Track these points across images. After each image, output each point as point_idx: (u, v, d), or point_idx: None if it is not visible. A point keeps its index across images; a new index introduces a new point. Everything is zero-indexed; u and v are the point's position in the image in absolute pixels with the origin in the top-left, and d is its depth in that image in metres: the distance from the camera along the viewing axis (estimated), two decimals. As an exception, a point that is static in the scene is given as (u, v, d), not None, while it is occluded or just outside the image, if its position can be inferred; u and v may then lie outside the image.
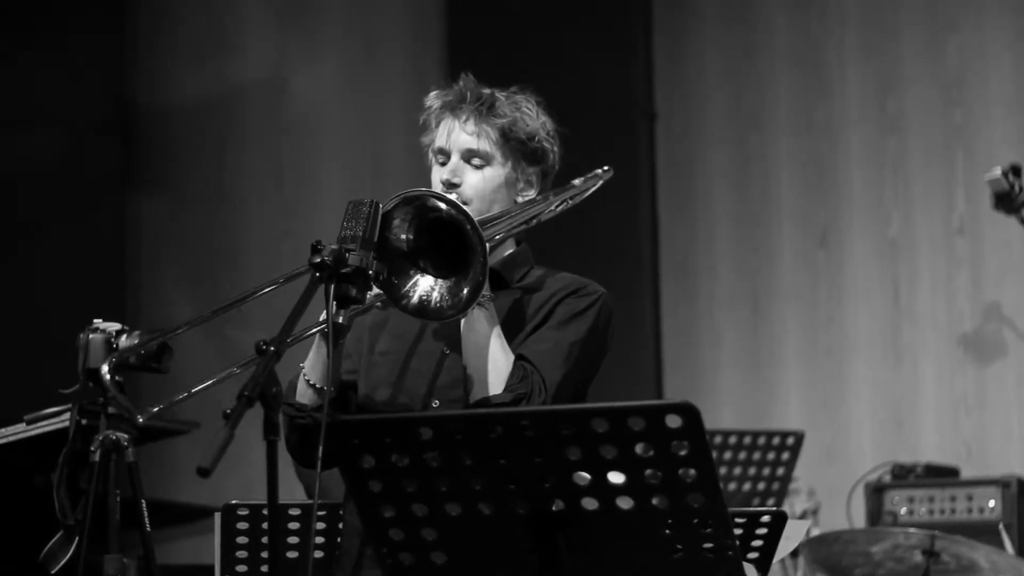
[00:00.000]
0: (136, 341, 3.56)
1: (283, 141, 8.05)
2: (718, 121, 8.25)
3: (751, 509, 3.97)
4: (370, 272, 3.32)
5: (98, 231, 7.93)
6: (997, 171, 6.76)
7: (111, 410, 3.60)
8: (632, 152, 8.21)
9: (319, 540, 4.15)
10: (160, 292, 7.99)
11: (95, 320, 3.64)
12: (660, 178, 8.34)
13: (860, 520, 6.87)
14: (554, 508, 3.03)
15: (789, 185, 8.11)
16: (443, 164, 3.69)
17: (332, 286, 3.27)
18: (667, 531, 3.03)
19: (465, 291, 3.42)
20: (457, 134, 3.67)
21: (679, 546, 3.05)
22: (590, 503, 3.00)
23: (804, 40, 8.11)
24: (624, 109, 8.27)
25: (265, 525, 4.13)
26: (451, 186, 3.64)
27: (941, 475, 6.90)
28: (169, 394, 3.51)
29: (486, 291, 3.47)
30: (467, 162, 3.67)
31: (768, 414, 7.92)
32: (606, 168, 3.93)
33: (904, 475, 6.83)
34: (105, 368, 3.53)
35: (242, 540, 4.23)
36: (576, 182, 3.86)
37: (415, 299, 3.46)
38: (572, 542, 3.06)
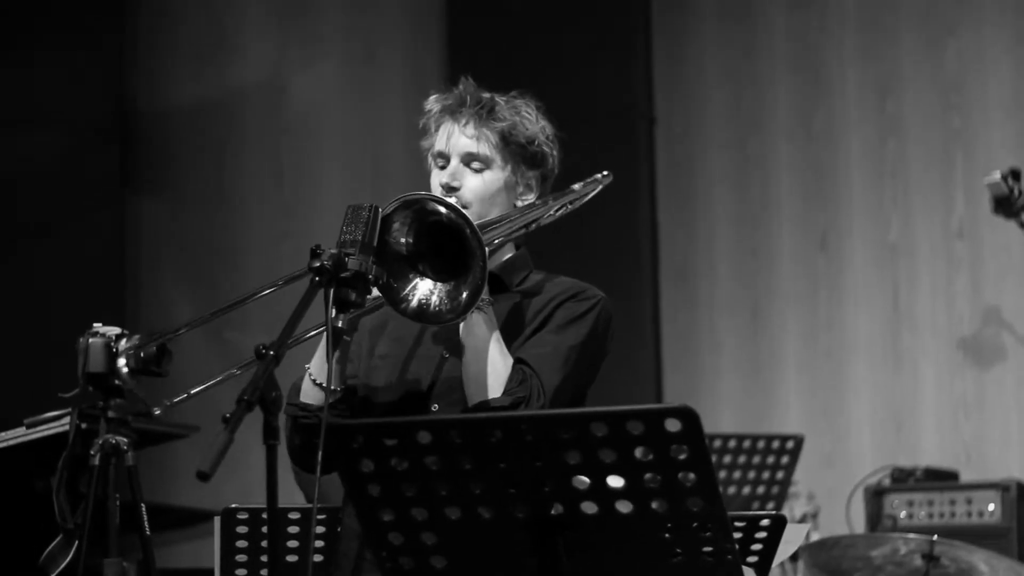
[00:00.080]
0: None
1: (283, 142, 8.06)
2: (718, 123, 8.24)
3: (751, 513, 3.97)
4: (369, 276, 3.32)
5: (98, 231, 7.93)
6: (996, 175, 6.76)
7: (111, 414, 3.60)
8: (632, 154, 8.21)
9: (318, 544, 4.15)
10: (160, 292, 7.99)
11: (95, 324, 3.64)
12: (660, 181, 8.33)
13: (860, 524, 6.87)
14: (553, 512, 3.03)
15: (789, 188, 8.11)
16: (442, 168, 3.69)
17: (331, 290, 3.27)
18: (666, 535, 3.03)
19: (464, 295, 3.42)
20: (457, 138, 3.67)
21: (678, 550, 3.05)
22: (589, 507, 3.00)
23: (803, 43, 8.11)
24: (624, 111, 8.27)
25: (265, 529, 4.14)
26: (450, 190, 3.64)
27: (940, 479, 6.90)
28: (168, 397, 3.51)
29: (485, 295, 3.47)
30: (466, 166, 3.67)
31: (768, 418, 7.92)
32: (605, 173, 3.93)
33: (904, 479, 6.83)
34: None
35: (242, 544, 4.23)
36: (576, 187, 3.86)
37: (414, 303, 3.46)
38: (571, 546, 3.06)
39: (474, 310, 3.47)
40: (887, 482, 6.82)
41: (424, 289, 3.46)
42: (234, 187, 8.05)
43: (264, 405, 3.09)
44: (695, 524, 3.00)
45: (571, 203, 3.82)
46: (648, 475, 2.96)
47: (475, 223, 3.41)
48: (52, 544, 3.78)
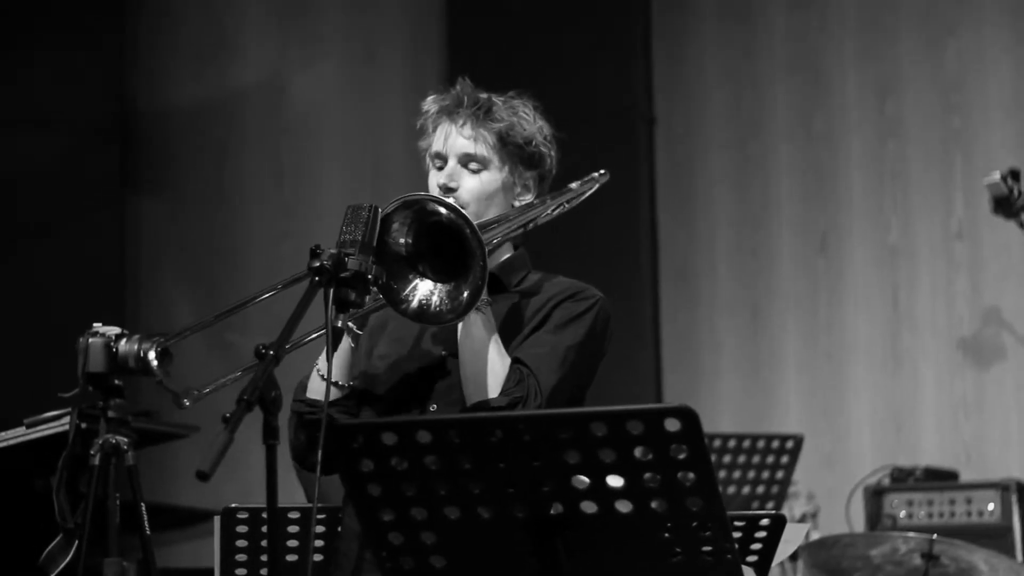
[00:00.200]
0: (136, 345, 3.55)
1: (283, 142, 8.06)
2: (718, 124, 8.24)
3: (750, 512, 3.98)
4: (369, 276, 3.32)
5: (98, 232, 7.93)
6: (996, 175, 6.75)
7: (111, 414, 3.60)
8: (632, 155, 8.21)
9: (318, 544, 4.15)
10: (160, 293, 7.99)
11: (95, 324, 3.64)
12: (660, 181, 8.33)
13: (859, 523, 6.87)
14: (553, 512, 3.03)
15: (789, 189, 8.11)
16: (440, 168, 3.69)
17: (331, 290, 3.28)
18: (666, 534, 3.03)
19: (465, 295, 3.43)
20: (454, 138, 3.68)
21: (678, 549, 3.05)
22: (589, 507, 3.01)
23: (803, 44, 8.11)
24: (624, 112, 8.27)
25: (264, 528, 4.14)
26: (448, 190, 3.65)
27: (940, 478, 6.90)
28: (168, 398, 3.51)
29: (484, 295, 3.47)
30: (464, 166, 3.68)
31: (768, 418, 7.91)
32: (602, 172, 3.94)
33: (903, 478, 6.83)
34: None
35: (241, 544, 4.23)
36: (573, 185, 3.87)
37: (415, 303, 3.47)
38: (571, 546, 3.06)
39: (473, 310, 3.48)
40: (887, 482, 6.82)
41: (424, 290, 3.47)
42: (234, 187, 8.05)
43: (264, 405, 3.09)
44: (695, 524, 3.01)
45: (568, 202, 3.82)
46: (648, 475, 2.96)
47: (474, 223, 3.42)
48: (52, 544, 3.78)
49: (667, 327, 8.26)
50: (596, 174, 3.91)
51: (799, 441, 6.56)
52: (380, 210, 3.39)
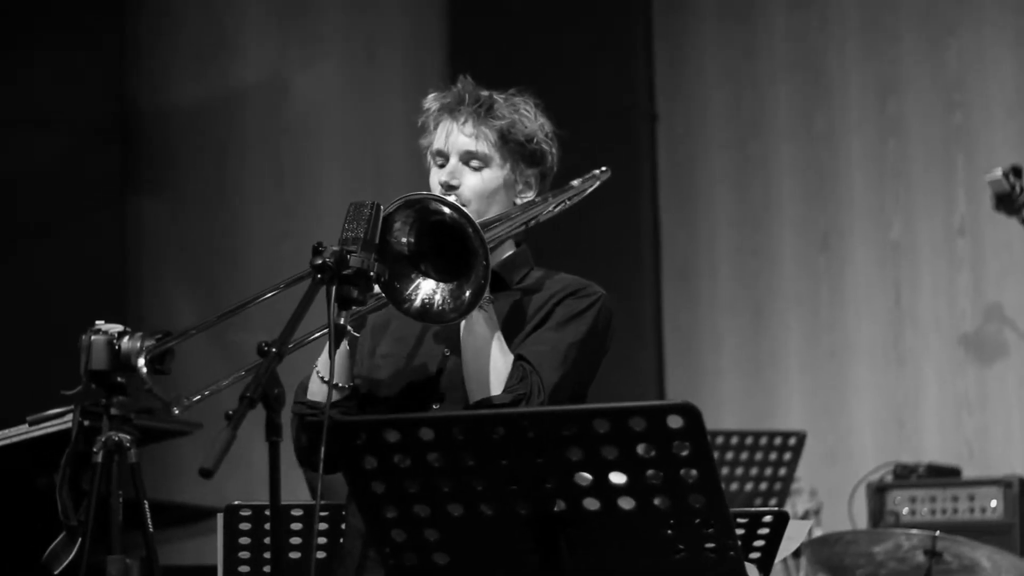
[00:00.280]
0: (139, 343, 3.56)
1: (283, 142, 8.05)
2: (718, 124, 8.25)
3: (753, 509, 3.97)
4: (372, 273, 3.32)
5: (99, 232, 7.94)
6: (998, 172, 6.76)
7: (114, 411, 3.61)
8: (633, 153, 8.22)
9: (321, 541, 4.16)
10: (161, 292, 7.99)
11: (97, 322, 3.64)
12: (661, 181, 8.34)
13: (862, 520, 6.87)
14: (556, 509, 3.03)
15: (790, 188, 8.11)
16: (441, 166, 3.69)
17: (334, 288, 3.28)
18: (669, 531, 3.03)
19: (467, 294, 3.43)
20: (455, 136, 3.67)
21: (681, 546, 3.05)
22: (592, 503, 3.01)
23: (804, 43, 8.12)
24: (625, 110, 8.27)
25: (267, 526, 4.14)
26: (449, 188, 3.64)
27: (943, 475, 6.91)
28: (170, 396, 3.51)
29: (486, 293, 3.47)
30: (466, 164, 3.67)
31: (770, 417, 7.92)
32: (604, 169, 3.94)
33: (906, 475, 6.83)
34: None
35: (244, 541, 4.24)
36: (575, 183, 3.87)
37: (417, 303, 3.47)
38: (574, 543, 3.06)
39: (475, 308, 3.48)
40: (889, 479, 6.83)
41: (427, 289, 3.46)
42: (235, 187, 8.05)
43: (267, 402, 3.09)
44: (697, 520, 3.01)
45: (570, 199, 3.83)
46: (650, 471, 2.96)
47: (476, 222, 3.42)
48: (55, 541, 3.78)
49: (669, 326, 8.26)
50: (597, 171, 3.91)
51: (802, 438, 6.57)
52: (383, 207, 3.39)
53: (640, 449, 2.94)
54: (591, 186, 3.90)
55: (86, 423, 3.80)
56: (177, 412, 3.50)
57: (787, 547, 4.06)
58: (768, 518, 3.86)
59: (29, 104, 7.78)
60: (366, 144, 8.10)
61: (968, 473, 7.09)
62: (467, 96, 3.69)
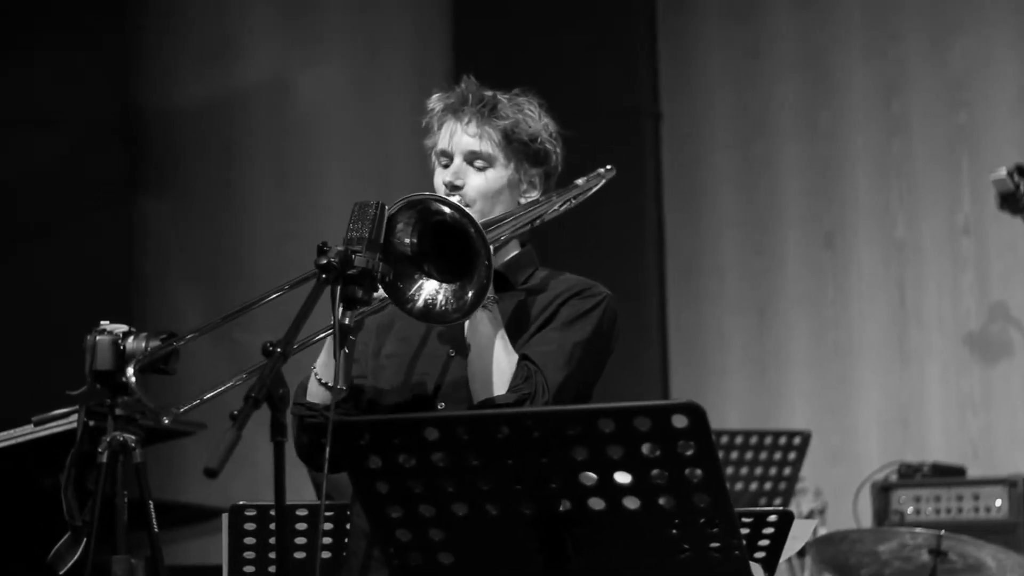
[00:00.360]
0: (143, 343, 3.56)
1: (287, 143, 8.05)
2: (723, 123, 8.25)
3: (758, 509, 3.97)
4: (376, 273, 3.32)
5: (103, 232, 7.94)
6: (1002, 171, 6.75)
7: (119, 411, 3.61)
8: (637, 153, 8.22)
9: (326, 541, 4.15)
10: (166, 293, 7.99)
11: (102, 322, 3.64)
12: (666, 180, 8.34)
13: (867, 520, 6.87)
14: (561, 508, 3.03)
15: (795, 187, 8.11)
16: (445, 166, 3.69)
17: (338, 287, 3.28)
18: (674, 531, 3.03)
19: (470, 294, 3.42)
20: (459, 136, 3.67)
21: (686, 546, 3.06)
22: (597, 503, 3.01)
23: (809, 42, 8.12)
24: (629, 110, 8.27)
25: (272, 526, 4.14)
26: (454, 188, 3.64)
27: (948, 475, 6.91)
28: (175, 395, 3.51)
29: (490, 293, 3.47)
30: (470, 164, 3.67)
31: (775, 416, 7.92)
32: (608, 167, 3.93)
33: (911, 475, 6.83)
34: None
35: (249, 541, 4.24)
36: (579, 181, 3.86)
37: (420, 303, 3.46)
38: (579, 542, 3.06)
39: (479, 308, 3.47)
40: (894, 478, 6.83)
41: (430, 289, 3.46)
42: (238, 187, 8.04)
43: (271, 402, 3.09)
44: (702, 520, 3.01)
45: (575, 199, 3.82)
46: (655, 471, 2.96)
47: (479, 222, 3.42)
48: (60, 541, 3.78)
49: (673, 326, 8.26)
50: (602, 169, 3.91)
51: (806, 437, 6.57)
52: (387, 207, 3.39)
53: (645, 449, 2.94)
54: (596, 185, 3.89)
55: (91, 423, 3.80)
56: (167, 421, 3.49)
57: (792, 546, 4.06)
58: (773, 517, 3.86)
59: (30, 104, 7.79)
60: (369, 144, 8.10)
61: (973, 472, 7.09)
62: (471, 96, 3.69)
